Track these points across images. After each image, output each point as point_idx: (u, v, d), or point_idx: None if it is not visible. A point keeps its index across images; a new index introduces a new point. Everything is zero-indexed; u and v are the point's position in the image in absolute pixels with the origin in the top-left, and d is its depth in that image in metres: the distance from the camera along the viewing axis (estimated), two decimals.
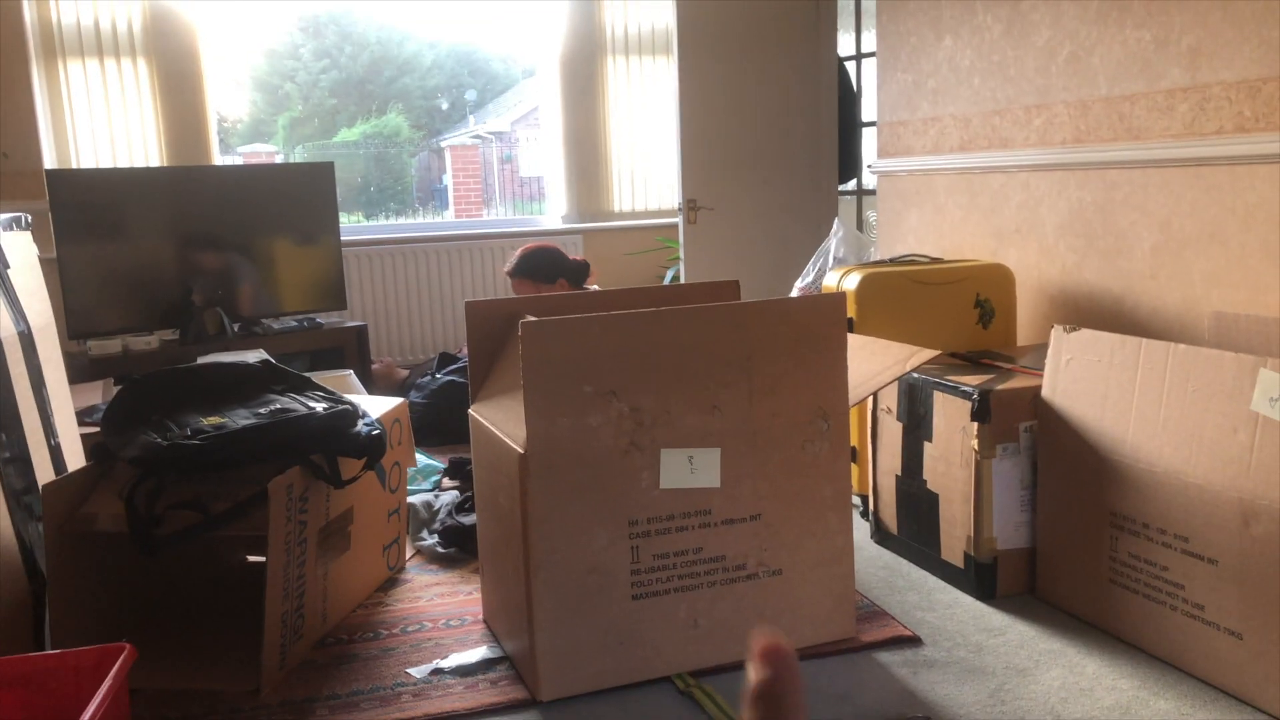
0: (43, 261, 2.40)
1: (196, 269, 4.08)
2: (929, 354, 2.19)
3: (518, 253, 3.66)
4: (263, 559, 1.90)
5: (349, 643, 2.16)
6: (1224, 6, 2.36)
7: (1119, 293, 2.75)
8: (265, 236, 4.24)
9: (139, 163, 4.43)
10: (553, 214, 5.40)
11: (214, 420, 2.00)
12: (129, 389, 2.07)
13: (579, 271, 3.63)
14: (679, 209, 4.50)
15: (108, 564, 2.07)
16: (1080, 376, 2.11)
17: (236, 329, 4.08)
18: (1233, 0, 2.34)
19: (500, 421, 1.97)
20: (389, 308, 5.00)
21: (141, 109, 4.45)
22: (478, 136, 5.78)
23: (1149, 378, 1.95)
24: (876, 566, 2.49)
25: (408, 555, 2.65)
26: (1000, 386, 2.23)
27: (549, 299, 2.21)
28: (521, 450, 1.80)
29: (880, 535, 2.62)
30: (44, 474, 2.11)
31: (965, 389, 2.24)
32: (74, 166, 4.29)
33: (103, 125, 4.40)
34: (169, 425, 1.97)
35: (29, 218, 2.33)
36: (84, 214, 3.84)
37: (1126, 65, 2.64)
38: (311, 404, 2.11)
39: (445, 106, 5.55)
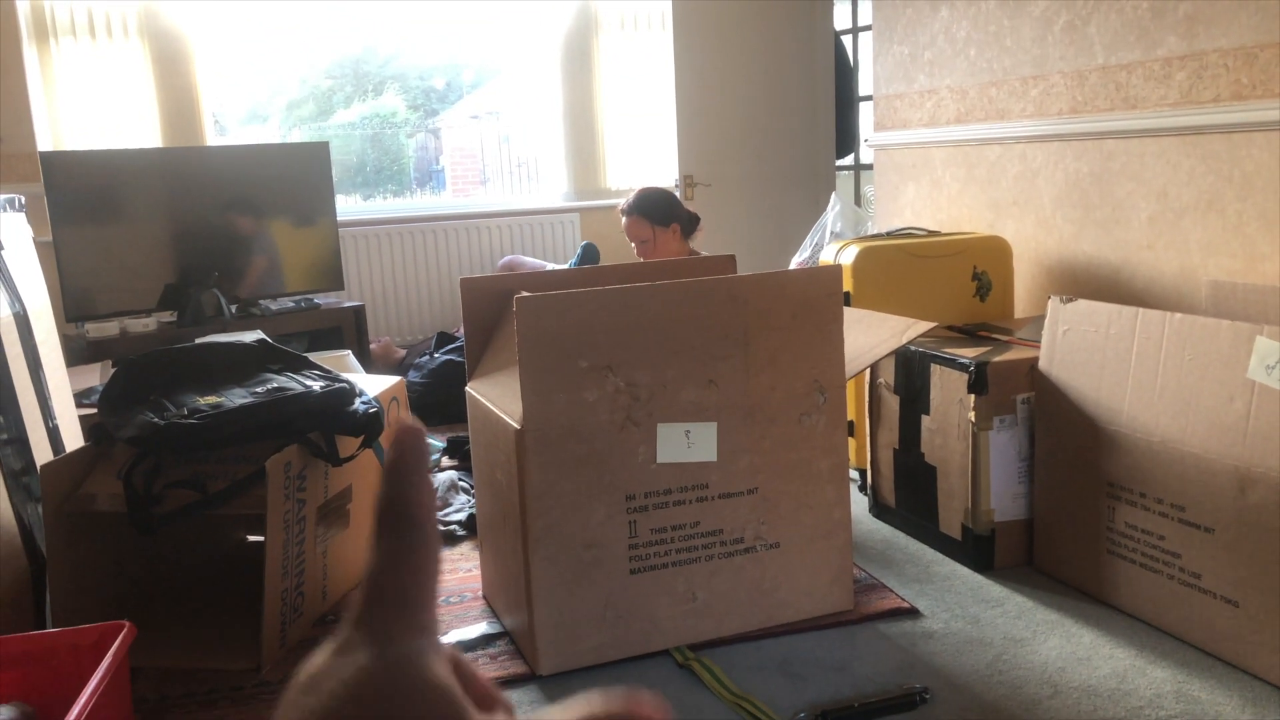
0: (39, 244, 2.40)
1: (193, 250, 4.07)
2: (925, 326, 2.19)
3: (635, 191, 3.58)
4: (262, 538, 1.91)
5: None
6: None
7: (1116, 263, 2.75)
8: (262, 217, 4.22)
9: (134, 145, 4.41)
10: (549, 193, 5.38)
11: (211, 399, 2.00)
12: (126, 369, 2.07)
13: (692, 221, 3.55)
14: (675, 185, 4.48)
15: (108, 544, 2.07)
16: (1077, 347, 2.11)
17: (234, 310, 4.07)
18: None
19: (497, 398, 1.97)
20: (387, 288, 4.99)
21: (137, 91, 4.43)
22: (475, 117, 5.74)
23: (1146, 347, 1.95)
24: (874, 540, 2.49)
25: None
26: (997, 358, 2.23)
27: (539, 276, 2.20)
28: (518, 426, 1.80)
29: (878, 509, 2.63)
30: (42, 455, 2.12)
31: (962, 361, 2.24)
32: (69, 149, 4.27)
33: (97, 107, 4.38)
34: (166, 405, 1.97)
35: (22, 199, 2.32)
36: (79, 196, 3.83)
37: (1123, 34, 2.62)
38: (308, 382, 2.11)
39: (441, 87, 5.50)
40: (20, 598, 1.98)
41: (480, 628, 2.08)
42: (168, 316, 4.03)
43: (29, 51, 4.21)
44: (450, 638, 2.03)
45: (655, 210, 3.44)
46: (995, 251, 2.88)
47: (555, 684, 1.86)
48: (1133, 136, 2.64)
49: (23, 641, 1.62)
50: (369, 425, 2.14)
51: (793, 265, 3.53)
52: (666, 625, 1.94)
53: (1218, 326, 1.82)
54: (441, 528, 2.63)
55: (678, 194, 4.46)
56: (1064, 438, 2.14)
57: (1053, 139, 2.91)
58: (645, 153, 5.32)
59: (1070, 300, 2.14)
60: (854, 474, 2.80)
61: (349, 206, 5.17)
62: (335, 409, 2.08)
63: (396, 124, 5.63)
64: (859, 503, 2.69)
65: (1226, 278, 2.40)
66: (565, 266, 4.63)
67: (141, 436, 1.90)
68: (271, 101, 5.37)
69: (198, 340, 2.33)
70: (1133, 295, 2.68)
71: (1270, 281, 2.30)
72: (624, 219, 3.50)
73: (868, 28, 4.03)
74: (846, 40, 4.80)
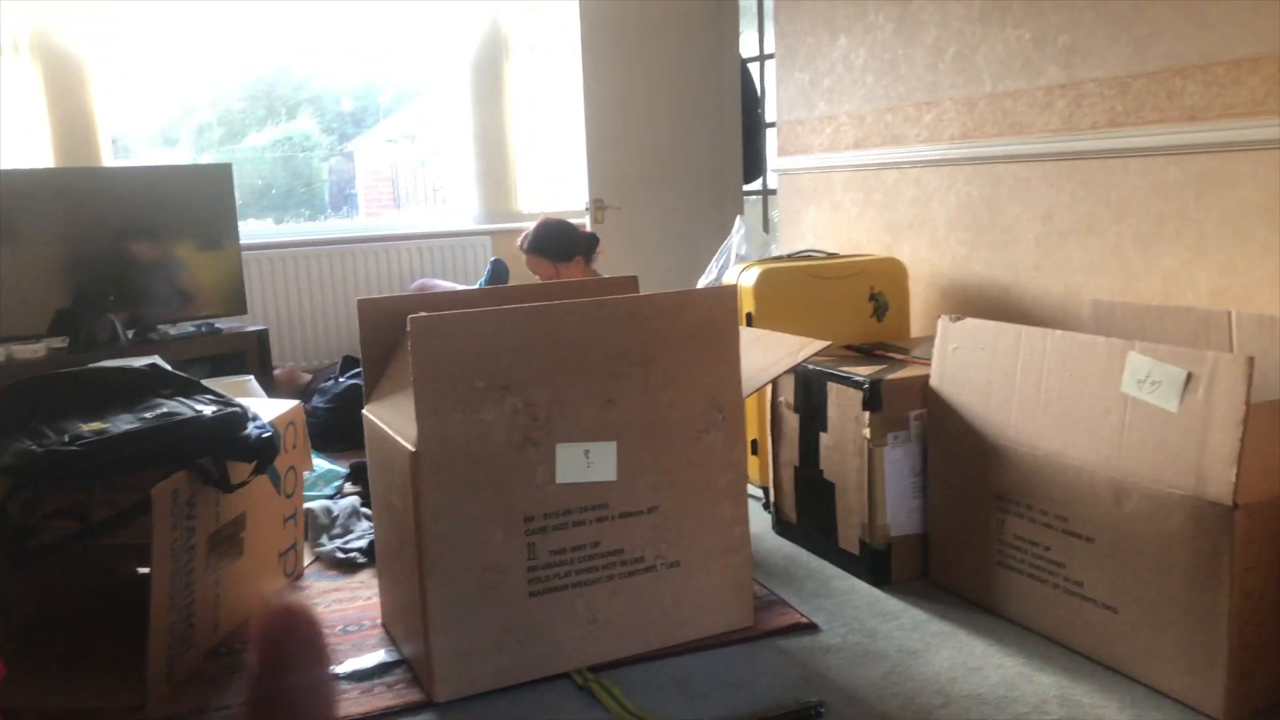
0: None
1: (88, 274, 3.95)
2: (819, 345, 2.23)
3: (532, 228, 3.53)
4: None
5: (243, 652, 2.11)
6: (1095, 7, 2.45)
7: (1006, 283, 2.84)
8: (162, 240, 4.12)
9: (25, 165, 4.27)
10: (460, 215, 5.36)
11: (95, 426, 1.93)
12: (7, 395, 2.00)
13: (592, 245, 3.53)
14: (586, 208, 4.50)
15: None
16: (966, 364, 2.17)
17: (130, 335, 3.96)
18: (1104, 0, 2.43)
19: (393, 420, 1.95)
20: (294, 312, 4.90)
21: (27, 110, 4.29)
22: (390, 140, 5.70)
23: (1029, 363, 2.02)
24: (777, 556, 2.52)
25: (306, 562, 2.61)
26: (891, 376, 2.28)
27: (439, 296, 2.19)
28: (413, 448, 1.79)
29: (781, 526, 2.66)
30: None
31: (857, 379, 2.29)
32: None
33: None
34: (46, 432, 1.91)
35: None
36: None
37: (1008, 63, 2.73)
38: (199, 407, 2.06)
39: (355, 110, 5.45)
40: None
41: (378, 656, 2.04)
42: (59, 342, 3.90)
43: None
44: (346, 667, 1.99)
45: (555, 247, 3.48)
46: (891, 273, 2.95)
47: (453, 710, 1.84)
48: (1019, 161, 2.74)
49: None
50: (262, 450, 2.09)
51: (699, 287, 3.57)
52: (567, 647, 1.93)
53: (1094, 343, 1.89)
54: (342, 556, 2.58)
55: (588, 217, 4.48)
56: (955, 452, 2.20)
57: (945, 163, 3.00)
58: (556, 175, 5.33)
59: (959, 319, 2.21)
60: (758, 492, 2.83)
61: (260, 230, 5.07)
62: (227, 433, 2.03)
63: (310, 147, 5.55)
64: (763, 520, 2.72)
65: (1107, 297, 2.50)
66: (475, 286, 4.61)
67: (18, 465, 1.83)
68: (181, 124, 5.25)
69: (88, 365, 2.26)
70: (1022, 314, 2.77)
71: (1147, 300, 2.40)
72: (525, 256, 3.52)
73: (773, 55, 4.11)
74: (754, 68, 4.89)
